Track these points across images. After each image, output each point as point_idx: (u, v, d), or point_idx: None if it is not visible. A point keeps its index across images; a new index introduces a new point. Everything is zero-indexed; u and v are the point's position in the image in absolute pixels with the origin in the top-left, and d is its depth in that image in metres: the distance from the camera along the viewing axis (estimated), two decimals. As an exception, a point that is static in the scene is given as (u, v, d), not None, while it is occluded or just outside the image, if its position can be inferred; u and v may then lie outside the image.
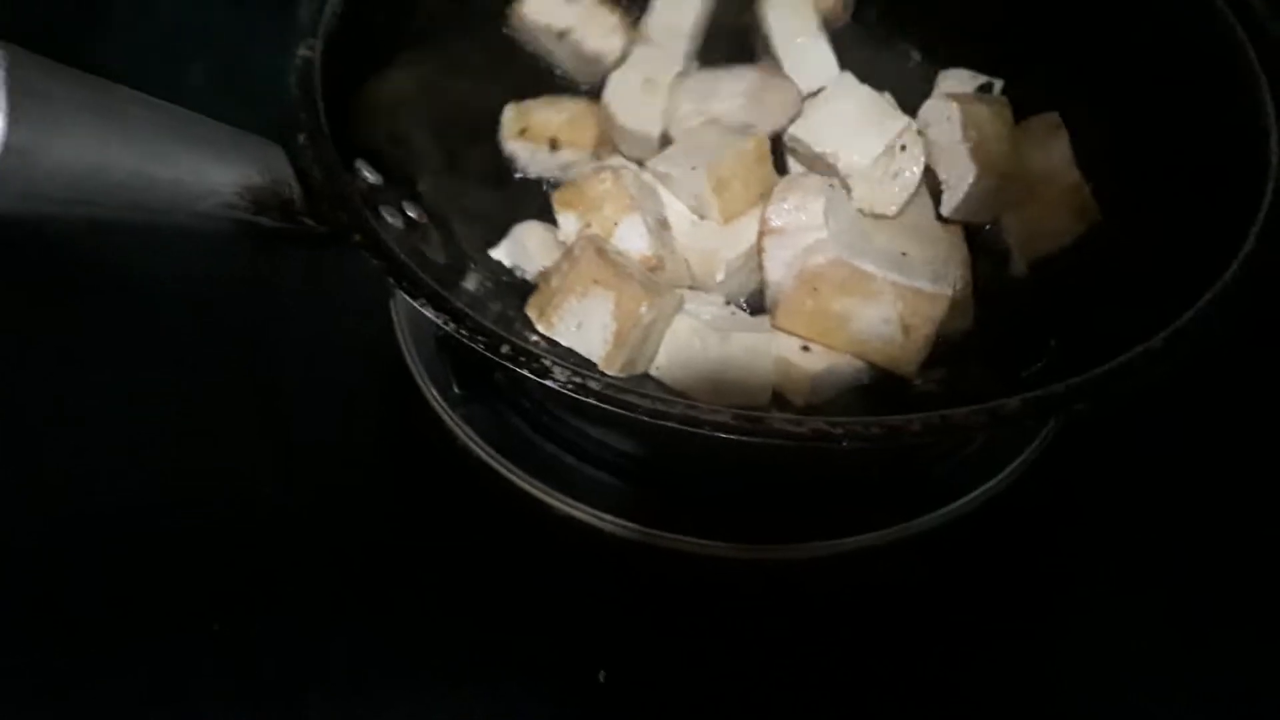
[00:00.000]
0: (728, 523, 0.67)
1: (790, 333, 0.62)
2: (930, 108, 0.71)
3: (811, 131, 0.70)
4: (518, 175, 0.74)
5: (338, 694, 0.63)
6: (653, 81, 0.74)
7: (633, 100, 0.74)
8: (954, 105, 0.69)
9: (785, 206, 0.64)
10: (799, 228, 0.64)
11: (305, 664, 0.63)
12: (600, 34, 0.76)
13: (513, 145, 0.73)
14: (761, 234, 0.65)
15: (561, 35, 0.76)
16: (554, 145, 0.72)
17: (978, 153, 0.68)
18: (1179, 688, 0.65)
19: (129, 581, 0.66)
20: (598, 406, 0.51)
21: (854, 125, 0.69)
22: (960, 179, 0.68)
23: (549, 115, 0.73)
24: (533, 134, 0.72)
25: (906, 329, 0.60)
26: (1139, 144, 0.68)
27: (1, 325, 0.75)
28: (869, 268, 0.60)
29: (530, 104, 0.74)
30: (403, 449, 0.75)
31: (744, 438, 0.49)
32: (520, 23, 0.77)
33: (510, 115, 0.74)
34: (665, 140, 0.73)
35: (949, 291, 0.60)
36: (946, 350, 0.66)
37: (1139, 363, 0.52)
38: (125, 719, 0.62)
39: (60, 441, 0.71)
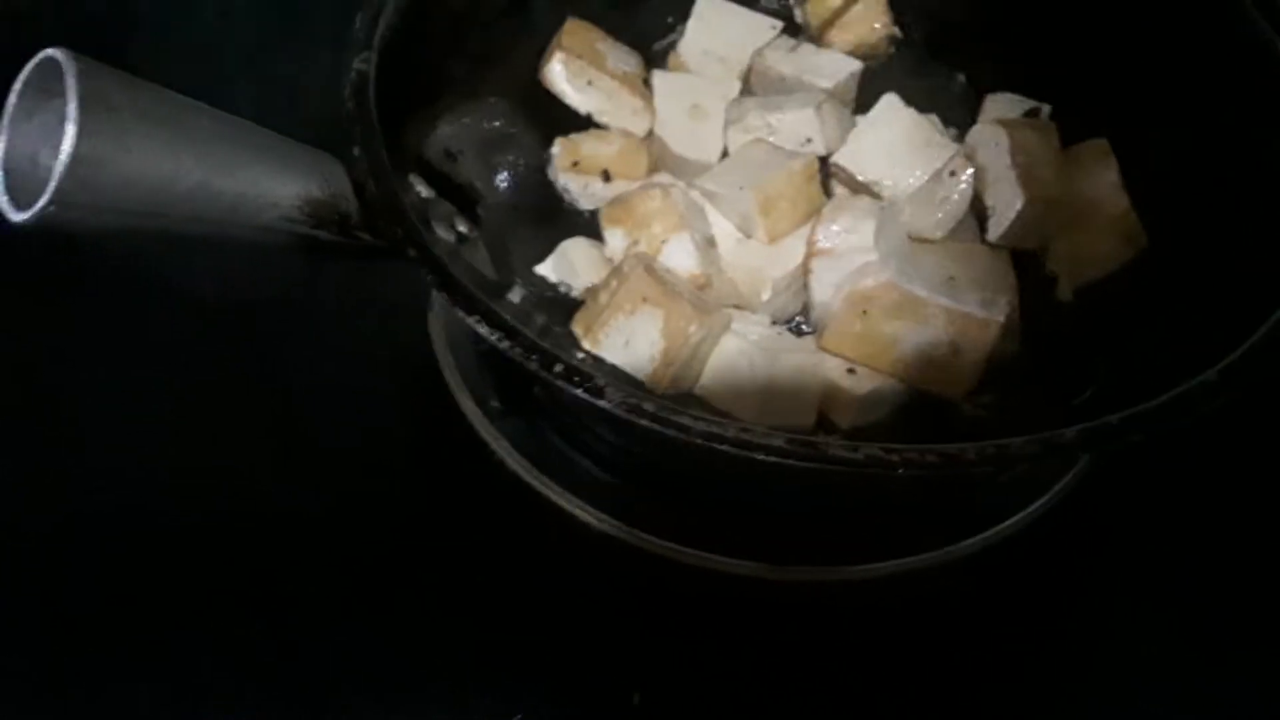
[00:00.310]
0: (765, 544, 0.67)
1: (837, 354, 0.62)
2: (977, 133, 0.71)
3: (857, 159, 0.70)
4: (567, 205, 0.74)
5: (361, 703, 0.63)
6: (700, 108, 0.74)
7: (684, 129, 0.74)
8: (1002, 130, 0.69)
9: (835, 229, 0.65)
10: (849, 249, 0.64)
11: (331, 672, 0.63)
12: (626, 115, 0.76)
13: (565, 178, 0.73)
14: (809, 255, 0.65)
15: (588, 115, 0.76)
16: (606, 177, 0.72)
17: (1025, 178, 0.68)
18: (1212, 713, 0.65)
19: (145, 588, 0.66)
20: (650, 428, 0.51)
21: (900, 152, 0.70)
22: (1008, 205, 0.68)
23: (599, 148, 0.73)
24: (584, 167, 0.72)
25: (957, 353, 0.60)
26: (1188, 170, 0.68)
27: (38, 326, 0.76)
28: (921, 292, 0.60)
29: (579, 137, 0.74)
30: (438, 462, 0.75)
31: (799, 462, 0.49)
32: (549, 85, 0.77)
33: (560, 149, 0.73)
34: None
35: (1000, 318, 0.60)
36: (993, 374, 0.66)
37: (1194, 395, 0.52)
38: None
39: (88, 447, 0.71)
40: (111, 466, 0.70)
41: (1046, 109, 0.76)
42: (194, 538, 0.68)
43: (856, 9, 0.80)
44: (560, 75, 0.75)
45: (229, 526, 0.68)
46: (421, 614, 0.66)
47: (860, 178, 0.69)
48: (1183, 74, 0.71)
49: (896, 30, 0.82)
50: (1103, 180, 0.70)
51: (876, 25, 0.81)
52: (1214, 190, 0.67)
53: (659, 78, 0.76)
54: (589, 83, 0.75)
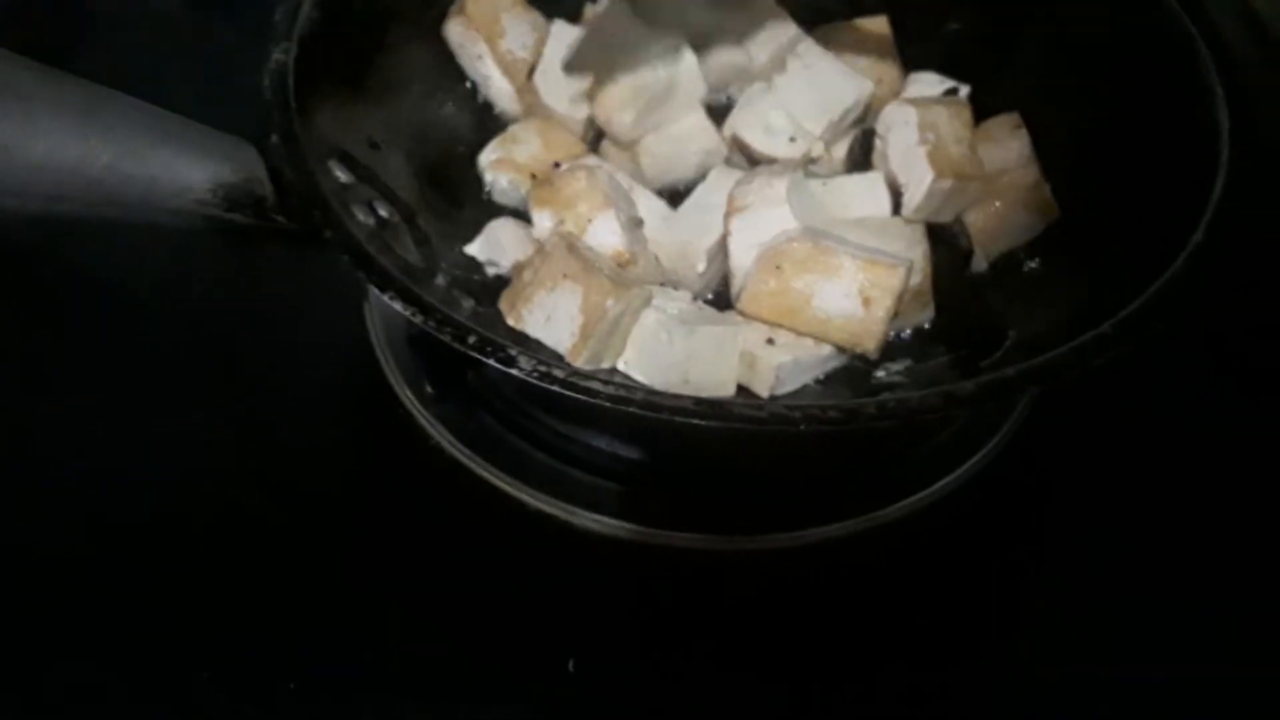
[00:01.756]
0: (699, 515, 0.68)
1: (754, 317, 0.64)
2: (890, 112, 0.73)
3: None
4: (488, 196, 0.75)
5: (312, 695, 0.63)
6: None
7: (560, 80, 0.75)
8: (910, 109, 0.71)
9: (751, 185, 0.66)
10: (763, 203, 0.65)
11: (279, 666, 0.64)
12: (503, 99, 0.78)
13: (492, 173, 0.74)
14: (728, 215, 0.67)
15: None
16: (533, 178, 0.73)
17: (935, 155, 0.70)
18: (1153, 666, 0.66)
19: (100, 589, 0.66)
20: (562, 394, 0.52)
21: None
22: (919, 181, 0.70)
23: (529, 149, 0.74)
24: (514, 166, 0.73)
25: (867, 302, 0.61)
26: (1096, 142, 0.70)
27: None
28: (830, 243, 0.62)
29: (514, 132, 0.75)
30: (377, 449, 0.75)
31: (704, 422, 0.50)
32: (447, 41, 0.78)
33: (494, 146, 0.75)
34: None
35: (907, 263, 0.62)
36: (908, 344, 0.68)
37: (1089, 348, 0.54)
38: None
39: (31, 450, 0.71)
40: (46, 471, 0.70)
41: (965, 89, 0.78)
42: (138, 539, 0.68)
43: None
44: (455, 38, 0.77)
45: (172, 526, 0.69)
46: (365, 597, 0.67)
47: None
48: (1089, 48, 0.73)
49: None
50: (1015, 153, 0.72)
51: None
52: (1120, 159, 0.69)
53: (557, 26, 0.78)
54: (479, 56, 0.76)
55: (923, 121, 0.70)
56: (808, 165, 0.71)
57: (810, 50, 0.76)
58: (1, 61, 0.48)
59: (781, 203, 0.66)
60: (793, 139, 0.73)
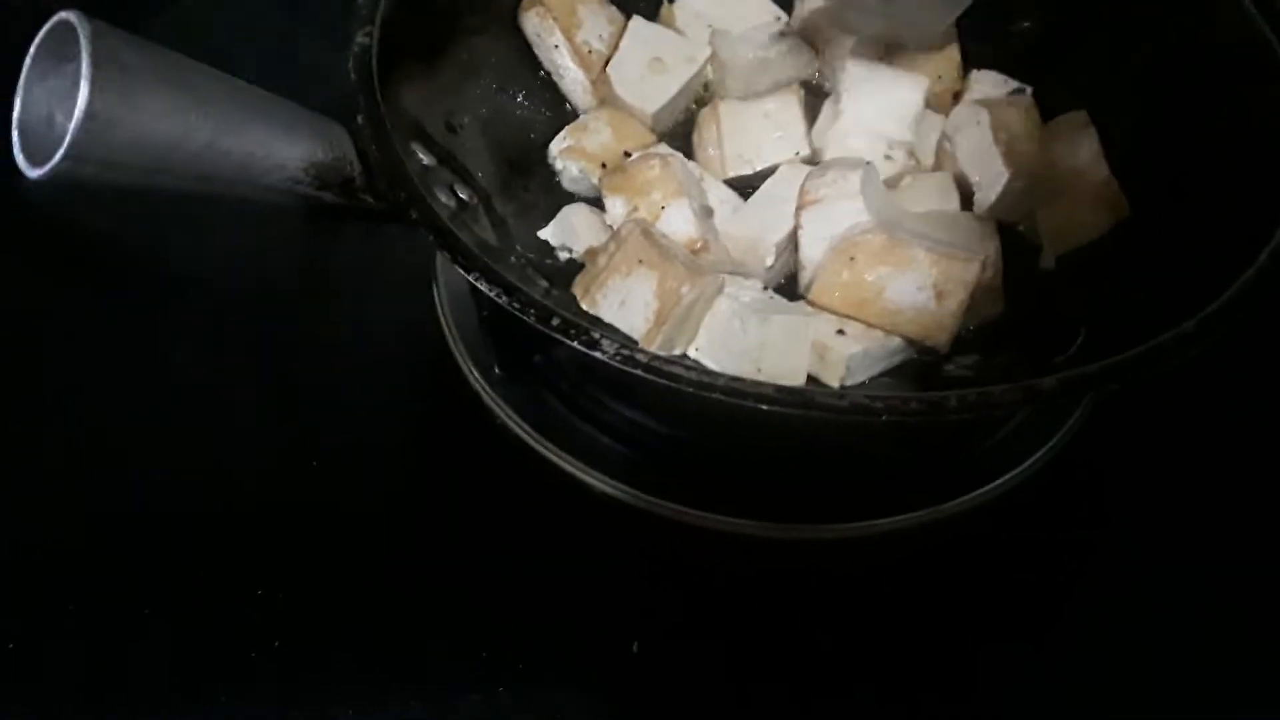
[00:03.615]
0: (761, 502, 0.68)
1: (826, 308, 0.65)
2: (960, 113, 0.73)
3: None
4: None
5: (373, 672, 0.64)
6: (662, 61, 0.77)
7: (635, 74, 0.76)
8: (983, 110, 0.71)
9: (824, 179, 0.66)
10: (837, 196, 0.66)
11: (345, 642, 0.65)
12: (576, 91, 0.79)
13: (563, 160, 0.75)
14: (800, 208, 0.67)
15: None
16: (604, 167, 0.74)
17: (1009, 155, 0.70)
18: (1207, 666, 0.66)
19: (163, 570, 0.67)
20: (643, 378, 0.53)
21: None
22: (994, 181, 0.70)
23: (599, 138, 0.75)
24: (584, 154, 0.74)
25: (940, 295, 0.62)
26: (1167, 139, 0.70)
27: (39, 311, 0.78)
28: (905, 235, 0.62)
29: (584, 121, 0.76)
30: (445, 429, 0.76)
31: (786, 409, 0.51)
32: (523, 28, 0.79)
33: (565, 134, 0.75)
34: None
35: (981, 257, 0.62)
36: (979, 337, 0.68)
37: (1171, 345, 0.54)
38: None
39: (101, 431, 0.72)
40: (126, 457, 0.71)
41: (1029, 90, 0.77)
42: (208, 522, 0.69)
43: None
44: (531, 27, 0.78)
45: (241, 508, 0.70)
46: (431, 575, 0.68)
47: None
48: (1159, 45, 0.73)
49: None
50: (1084, 151, 0.72)
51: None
52: (1193, 156, 0.68)
53: (636, 22, 0.79)
54: (555, 45, 0.77)
55: (996, 121, 0.70)
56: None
57: (857, 67, 0.75)
58: (104, 35, 0.49)
59: (855, 196, 0.66)
60: (888, 156, 0.73)
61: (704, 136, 0.77)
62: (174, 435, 0.72)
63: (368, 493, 0.71)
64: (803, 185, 0.68)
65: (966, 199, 0.73)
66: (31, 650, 0.62)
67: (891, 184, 0.71)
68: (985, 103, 0.73)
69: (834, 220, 0.66)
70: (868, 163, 0.68)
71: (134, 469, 0.70)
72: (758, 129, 0.75)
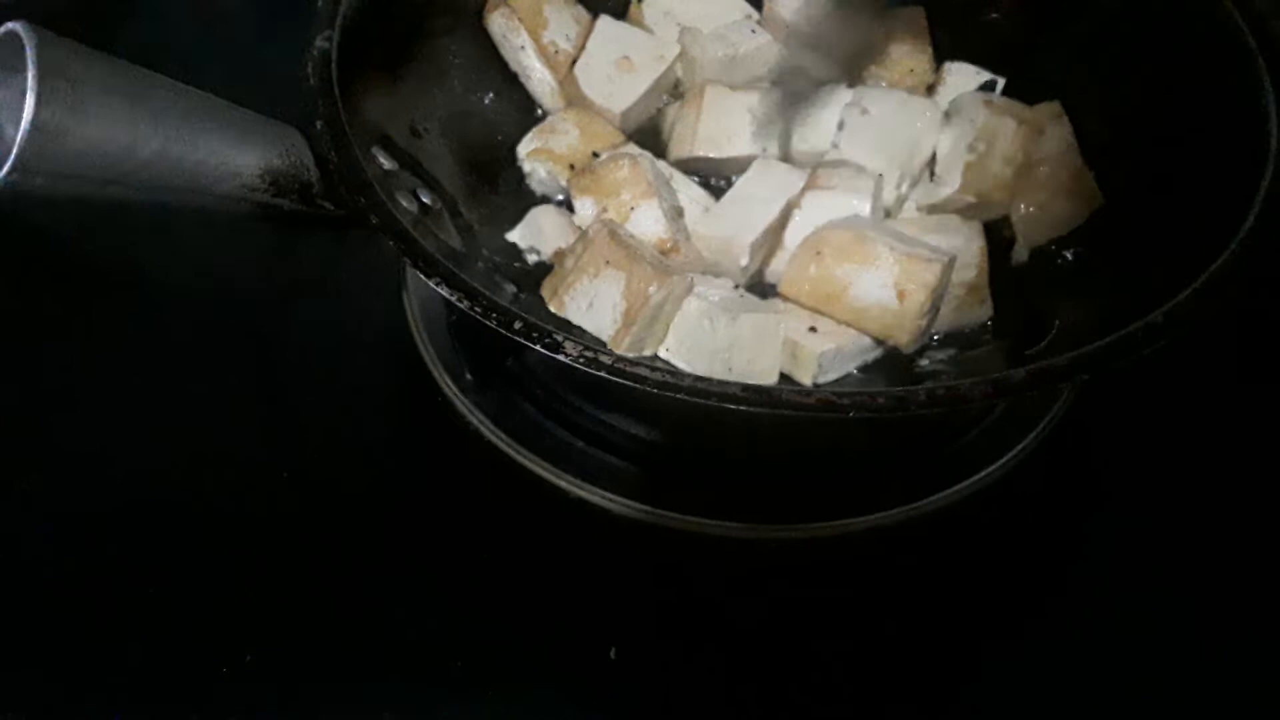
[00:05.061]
0: (736, 503, 0.68)
1: (795, 300, 0.64)
2: (966, 100, 0.73)
3: None
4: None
5: (347, 681, 0.63)
6: (629, 60, 0.76)
7: (603, 74, 0.76)
8: (984, 109, 0.71)
9: (839, 171, 0.67)
10: (848, 190, 0.66)
11: (314, 652, 0.64)
12: (543, 92, 0.78)
13: (530, 162, 0.74)
14: (806, 189, 0.67)
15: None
16: (571, 169, 0.73)
17: (971, 170, 0.70)
18: (1186, 663, 0.65)
19: (137, 575, 0.66)
20: (609, 380, 0.52)
21: None
22: (944, 182, 0.71)
23: (567, 140, 0.74)
24: (552, 156, 0.73)
25: (901, 295, 0.61)
26: (1139, 130, 0.70)
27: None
28: (870, 233, 0.62)
29: (551, 123, 0.75)
30: (416, 436, 0.76)
31: (752, 408, 0.50)
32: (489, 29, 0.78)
33: (532, 136, 0.75)
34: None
35: (944, 260, 0.62)
36: (952, 333, 0.67)
37: (1140, 336, 0.53)
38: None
39: (69, 437, 0.72)
40: (95, 464, 0.71)
41: (1001, 82, 0.77)
42: (174, 531, 0.68)
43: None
44: (497, 28, 0.77)
45: (208, 518, 0.69)
46: (403, 582, 0.67)
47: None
48: (1133, 35, 0.72)
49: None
50: (1057, 142, 0.71)
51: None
52: (1166, 147, 0.68)
53: (603, 21, 0.78)
54: (521, 47, 0.76)
55: (985, 128, 0.70)
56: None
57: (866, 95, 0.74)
58: (50, 45, 0.49)
59: (865, 194, 0.66)
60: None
61: (681, 114, 0.76)
62: (139, 444, 0.71)
63: (339, 501, 0.70)
64: (814, 171, 0.67)
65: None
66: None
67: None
68: (991, 105, 0.72)
69: (834, 210, 0.66)
70: (879, 175, 0.68)
71: (95, 477, 0.70)
72: (736, 118, 0.74)
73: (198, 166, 0.51)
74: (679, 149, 0.75)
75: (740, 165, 0.72)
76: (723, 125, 0.74)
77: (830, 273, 0.63)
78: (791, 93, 0.73)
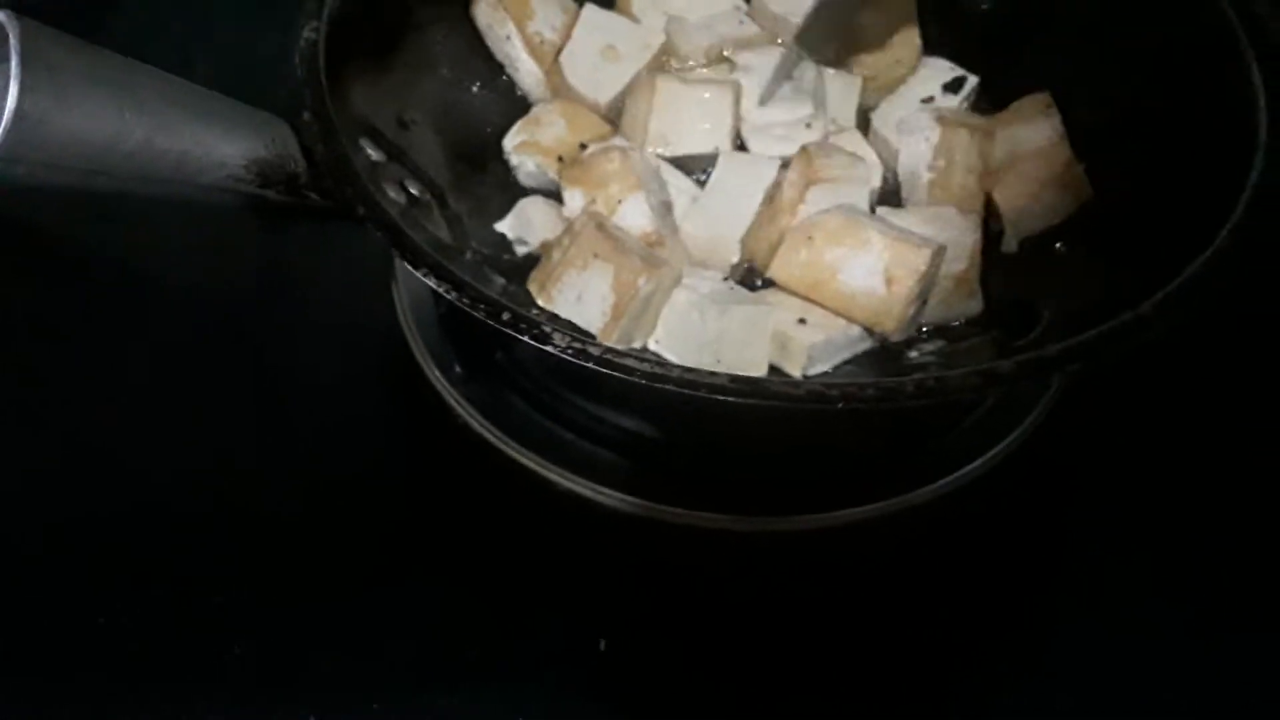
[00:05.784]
0: (725, 495, 0.68)
1: (784, 285, 0.64)
2: (913, 118, 0.73)
3: None
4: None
5: (339, 673, 0.63)
6: (615, 49, 0.76)
7: (588, 63, 0.75)
8: (936, 127, 0.71)
9: (833, 161, 0.67)
10: (850, 180, 0.66)
11: (307, 646, 0.64)
12: (529, 82, 0.78)
13: (517, 156, 0.74)
14: (808, 186, 0.66)
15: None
16: (560, 161, 0.73)
17: (936, 186, 0.71)
18: (1180, 653, 0.66)
19: (130, 572, 0.66)
20: (597, 371, 0.52)
21: None
22: (910, 196, 0.72)
23: (554, 130, 0.73)
24: (539, 148, 0.73)
25: (890, 281, 0.61)
26: (1129, 121, 0.70)
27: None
28: (862, 218, 0.62)
29: (537, 114, 0.74)
30: (405, 429, 0.76)
31: (740, 400, 0.50)
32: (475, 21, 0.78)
33: (519, 128, 0.74)
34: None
35: (933, 246, 0.61)
36: (942, 326, 0.67)
37: (1130, 326, 0.53)
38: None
39: (57, 434, 0.72)
40: (86, 463, 0.70)
41: (973, 80, 0.77)
42: (164, 526, 0.68)
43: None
44: (484, 18, 0.77)
45: (198, 513, 0.69)
46: (393, 575, 0.67)
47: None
48: (1121, 26, 0.72)
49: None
50: (1046, 133, 0.71)
51: None
52: (1154, 138, 0.68)
53: (589, 9, 0.77)
54: (507, 37, 0.76)
55: (942, 143, 0.70)
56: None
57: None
58: (33, 34, 0.48)
59: (864, 183, 0.66)
60: (808, 125, 0.74)
61: (635, 105, 0.75)
62: (126, 438, 0.71)
63: (329, 495, 0.70)
64: (810, 164, 0.67)
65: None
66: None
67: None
68: (942, 120, 0.71)
69: (840, 199, 0.66)
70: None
71: (84, 471, 0.69)
72: (689, 115, 0.73)
73: (183, 157, 0.51)
74: (629, 139, 0.74)
75: (703, 160, 0.72)
76: (676, 123, 0.73)
77: (820, 257, 0.62)
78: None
